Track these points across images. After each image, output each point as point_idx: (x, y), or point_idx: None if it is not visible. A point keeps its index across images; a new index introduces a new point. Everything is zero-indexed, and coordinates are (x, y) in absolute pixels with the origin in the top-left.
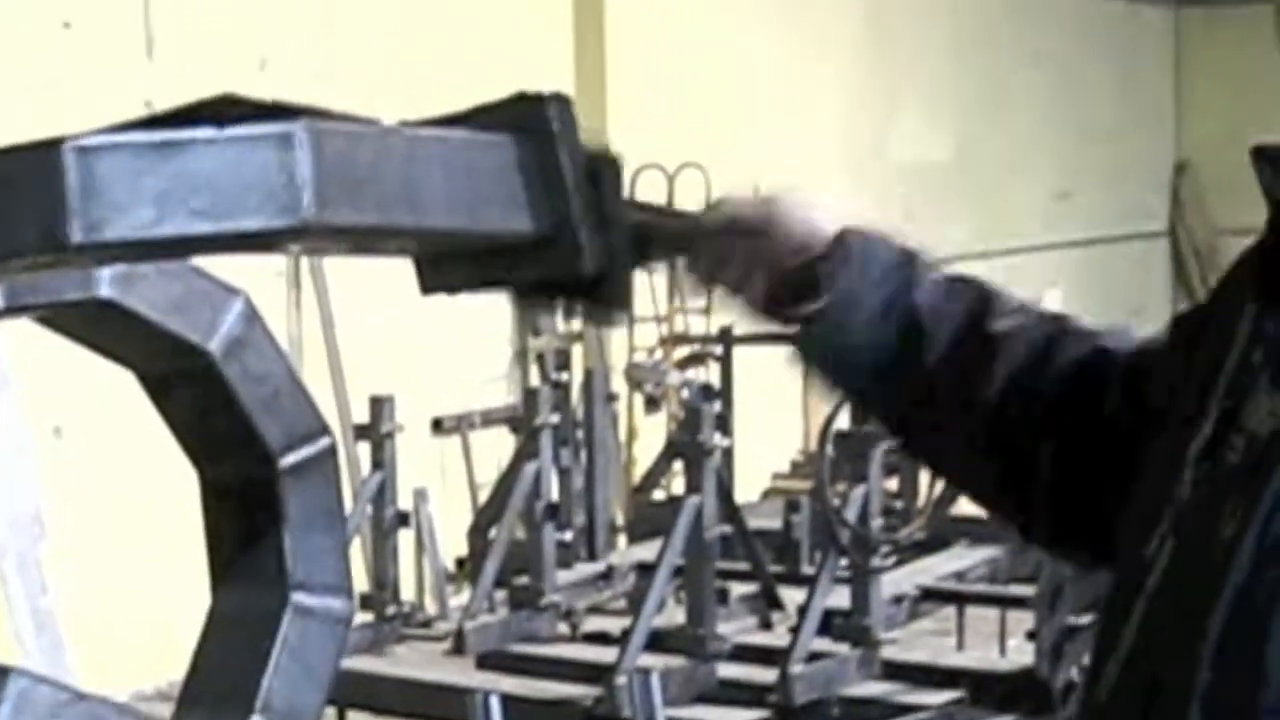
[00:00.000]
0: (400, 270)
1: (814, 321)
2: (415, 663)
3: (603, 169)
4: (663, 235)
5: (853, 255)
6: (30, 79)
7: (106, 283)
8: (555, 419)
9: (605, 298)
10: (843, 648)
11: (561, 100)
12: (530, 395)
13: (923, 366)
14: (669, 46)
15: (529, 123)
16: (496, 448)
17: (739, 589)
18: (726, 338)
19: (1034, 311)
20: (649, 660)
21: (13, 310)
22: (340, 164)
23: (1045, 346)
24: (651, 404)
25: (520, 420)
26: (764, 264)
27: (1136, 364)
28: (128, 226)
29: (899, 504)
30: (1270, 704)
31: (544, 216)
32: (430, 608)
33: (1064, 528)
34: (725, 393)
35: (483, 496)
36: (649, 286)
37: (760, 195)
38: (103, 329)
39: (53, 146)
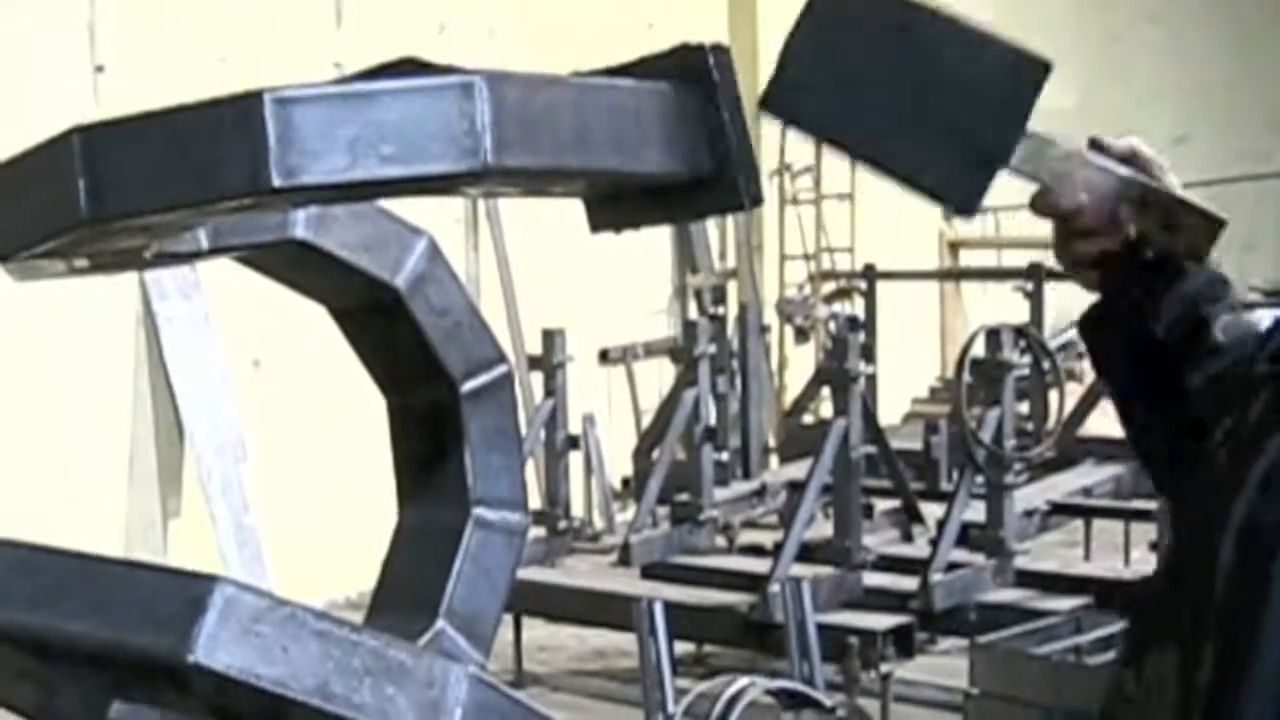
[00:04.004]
0: (570, 214)
1: (1125, 312)
2: (585, 573)
3: None
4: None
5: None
6: (229, 46)
7: (301, 224)
8: (713, 349)
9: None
10: (978, 558)
11: (720, 50)
12: (689, 328)
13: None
14: None
15: (690, 71)
16: (658, 376)
17: (882, 504)
18: (870, 274)
19: None
20: (800, 570)
21: (216, 251)
22: (516, 111)
23: None
24: (801, 335)
25: (680, 351)
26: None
27: None
28: (322, 171)
29: (1030, 425)
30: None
31: (704, 158)
32: (598, 523)
33: None
34: (869, 324)
35: (646, 421)
36: (798, 228)
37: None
38: (298, 267)
39: (253, 98)
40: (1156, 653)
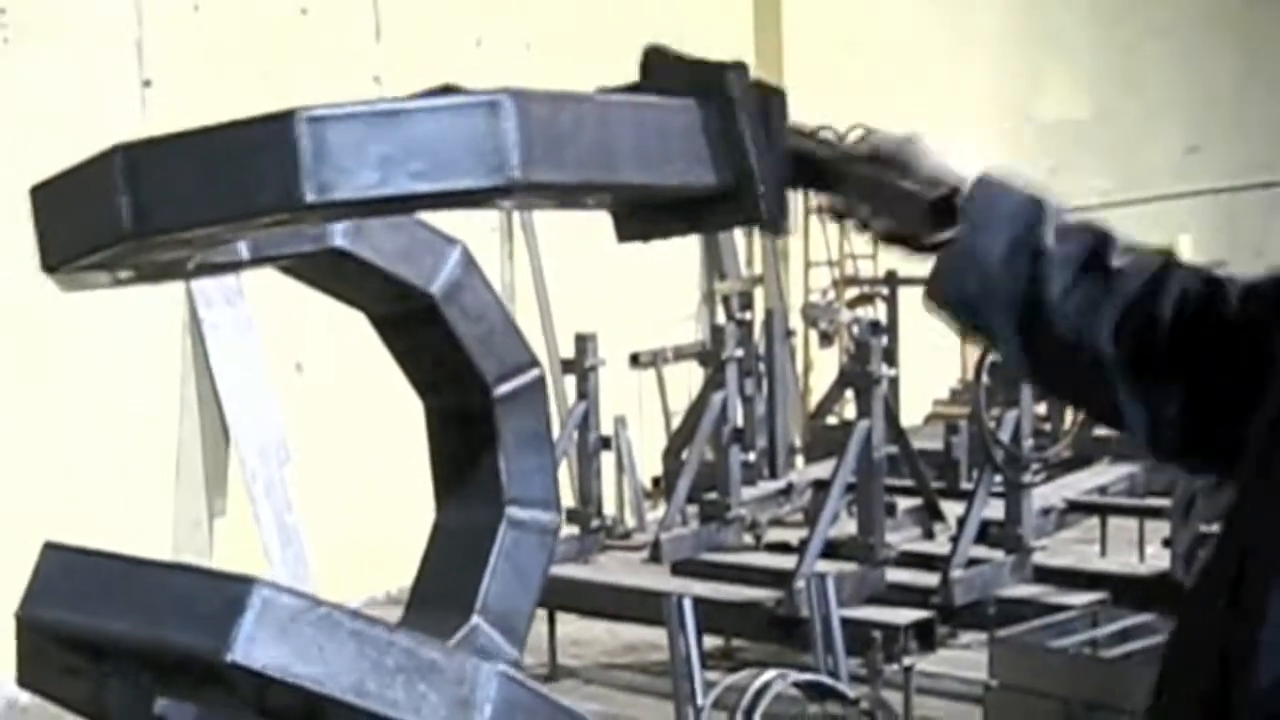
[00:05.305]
0: (600, 223)
1: (948, 254)
2: (616, 570)
3: (770, 101)
4: (813, 162)
5: (988, 193)
6: (270, 61)
7: (340, 234)
8: (740, 353)
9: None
10: (998, 554)
11: (740, 67)
12: (717, 332)
13: (1048, 300)
14: (840, 18)
15: (711, 88)
16: (687, 379)
17: (904, 503)
18: (892, 280)
19: (1146, 249)
20: (825, 566)
21: (258, 261)
22: (542, 128)
23: (1160, 276)
24: (825, 339)
25: (708, 355)
26: (900, 197)
27: (1250, 294)
28: (355, 187)
29: (1047, 426)
30: None
31: (726, 172)
32: (629, 521)
33: (1193, 440)
34: (891, 328)
35: (675, 423)
36: (822, 235)
37: (901, 134)
38: (337, 276)
39: (287, 117)
40: (1193, 656)
